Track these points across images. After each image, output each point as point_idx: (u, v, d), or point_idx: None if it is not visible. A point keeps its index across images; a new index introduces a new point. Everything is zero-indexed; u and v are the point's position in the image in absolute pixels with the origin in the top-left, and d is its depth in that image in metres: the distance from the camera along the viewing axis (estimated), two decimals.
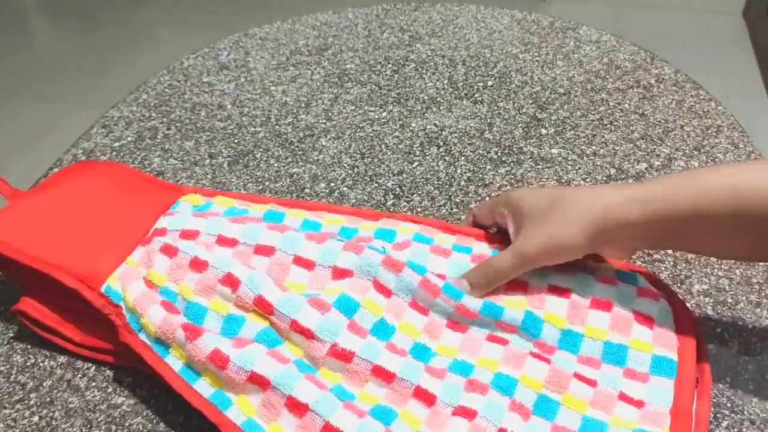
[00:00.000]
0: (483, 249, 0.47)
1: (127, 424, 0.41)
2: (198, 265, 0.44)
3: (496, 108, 0.68)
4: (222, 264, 0.44)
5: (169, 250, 0.46)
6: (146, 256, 0.46)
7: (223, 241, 0.47)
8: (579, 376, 0.40)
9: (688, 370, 0.40)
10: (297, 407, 0.38)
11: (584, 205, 0.40)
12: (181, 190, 0.54)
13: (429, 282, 0.43)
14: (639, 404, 0.39)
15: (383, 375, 0.40)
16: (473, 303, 0.43)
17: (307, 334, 0.41)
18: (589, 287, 0.44)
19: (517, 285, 0.44)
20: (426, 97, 0.70)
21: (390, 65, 0.76)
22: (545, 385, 0.39)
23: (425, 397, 0.39)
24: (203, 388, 0.40)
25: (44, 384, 0.44)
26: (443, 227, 0.50)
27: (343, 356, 0.40)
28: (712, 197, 0.37)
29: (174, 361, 0.41)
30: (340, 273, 0.45)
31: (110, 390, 0.44)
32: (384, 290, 0.44)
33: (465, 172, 0.60)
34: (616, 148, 0.62)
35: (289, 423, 0.38)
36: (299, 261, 0.45)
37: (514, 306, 0.43)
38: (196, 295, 0.43)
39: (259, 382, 0.39)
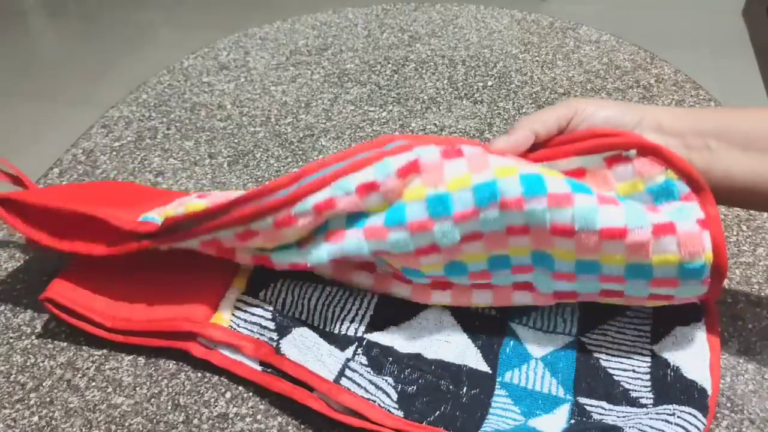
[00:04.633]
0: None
1: (127, 424, 0.41)
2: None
3: (496, 108, 0.68)
4: None
5: (205, 196, 0.47)
6: (181, 202, 0.47)
7: None
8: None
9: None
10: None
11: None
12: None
13: None
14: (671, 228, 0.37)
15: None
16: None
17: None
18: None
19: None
20: (426, 97, 0.70)
21: (390, 65, 0.76)
22: (577, 255, 0.39)
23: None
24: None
25: (44, 384, 0.44)
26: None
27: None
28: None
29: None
30: None
31: (110, 390, 0.44)
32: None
33: None
34: None
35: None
36: None
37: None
38: None
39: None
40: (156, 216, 0.45)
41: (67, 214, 0.44)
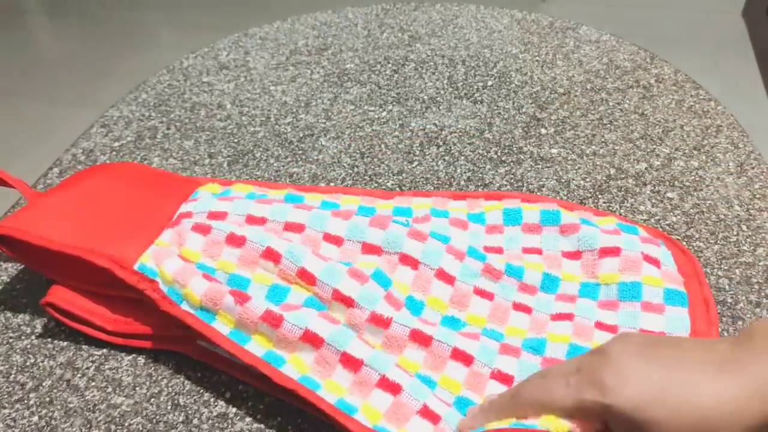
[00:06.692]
0: (495, 219, 0.50)
1: (126, 424, 0.41)
2: (235, 240, 0.45)
3: (495, 108, 0.68)
4: (260, 239, 0.45)
5: (202, 229, 0.46)
6: (177, 236, 0.47)
7: (253, 220, 0.48)
8: (600, 325, 0.42)
9: (697, 299, 0.44)
10: (351, 363, 0.39)
11: None
12: (198, 182, 0.55)
13: (453, 248, 0.46)
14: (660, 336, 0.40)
15: (420, 339, 0.41)
16: (498, 264, 0.45)
17: (348, 302, 0.42)
18: (596, 239, 0.46)
19: (532, 250, 0.48)
20: (426, 97, 0.70)
21: (390, 65, 0.76)
22: (572, 338, 0.42)
23: (463, 357, 0.41)
24: (254, 348, 0.41)
25: (44, 384, 0.44)
26: (452, 195, 0.53)
27: (381, 322, 0.41)
28: None
29: (221, 326, 0.42)
30: (369, 248, 0.46)
31: (110, 390, 0.44)
32: (411, 261, 0.45)
33: (465, 172, 0.60)
34: (616, 147, 0.62)
35: (344, 378, 0.39)
36: (328, 237, 0.47)
37: (533, 268, 0.46)
38: (238, 269, 0.44)
39: (312, 340, 0.40)
40: (154, 267, 0.44)
41: (65, 254, 0.45)
